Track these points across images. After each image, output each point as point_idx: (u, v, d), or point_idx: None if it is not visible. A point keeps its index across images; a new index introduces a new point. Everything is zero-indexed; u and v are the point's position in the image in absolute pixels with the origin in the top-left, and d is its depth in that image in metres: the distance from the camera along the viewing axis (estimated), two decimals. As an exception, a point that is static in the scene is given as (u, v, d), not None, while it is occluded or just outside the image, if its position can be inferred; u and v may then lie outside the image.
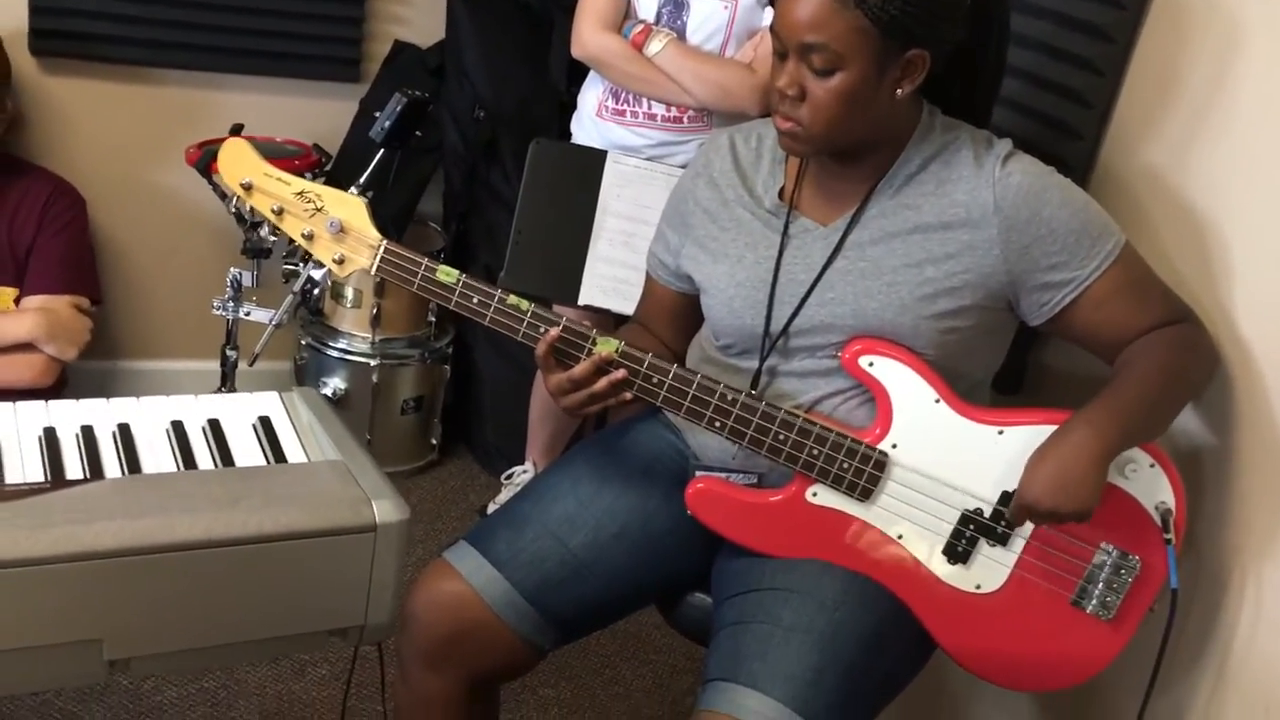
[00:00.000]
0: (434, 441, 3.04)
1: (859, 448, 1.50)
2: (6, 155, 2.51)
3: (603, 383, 1.49)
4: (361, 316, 2.85)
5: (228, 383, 2.74)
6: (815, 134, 1.46)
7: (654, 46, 2.29)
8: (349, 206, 1.52)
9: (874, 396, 1.51)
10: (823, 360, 1.54)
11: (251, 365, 2.66)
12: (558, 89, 2.67)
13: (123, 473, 1.09)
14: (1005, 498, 1.49)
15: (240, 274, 2.63)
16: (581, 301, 2.32)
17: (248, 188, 1.53)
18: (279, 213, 1.53)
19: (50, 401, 1.16)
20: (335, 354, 2.86)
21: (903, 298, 1.49)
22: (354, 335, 2.86)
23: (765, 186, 1.60)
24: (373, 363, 2.83)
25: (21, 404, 1.15)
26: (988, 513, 1.50)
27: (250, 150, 1.55)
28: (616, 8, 2.33)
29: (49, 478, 1.05)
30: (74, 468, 1.08)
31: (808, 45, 1.39)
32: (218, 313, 2.65)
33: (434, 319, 2.92)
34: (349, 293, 2.85)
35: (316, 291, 2.72)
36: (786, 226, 1.56)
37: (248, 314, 2.65)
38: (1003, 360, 1.65)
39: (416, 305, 2.88)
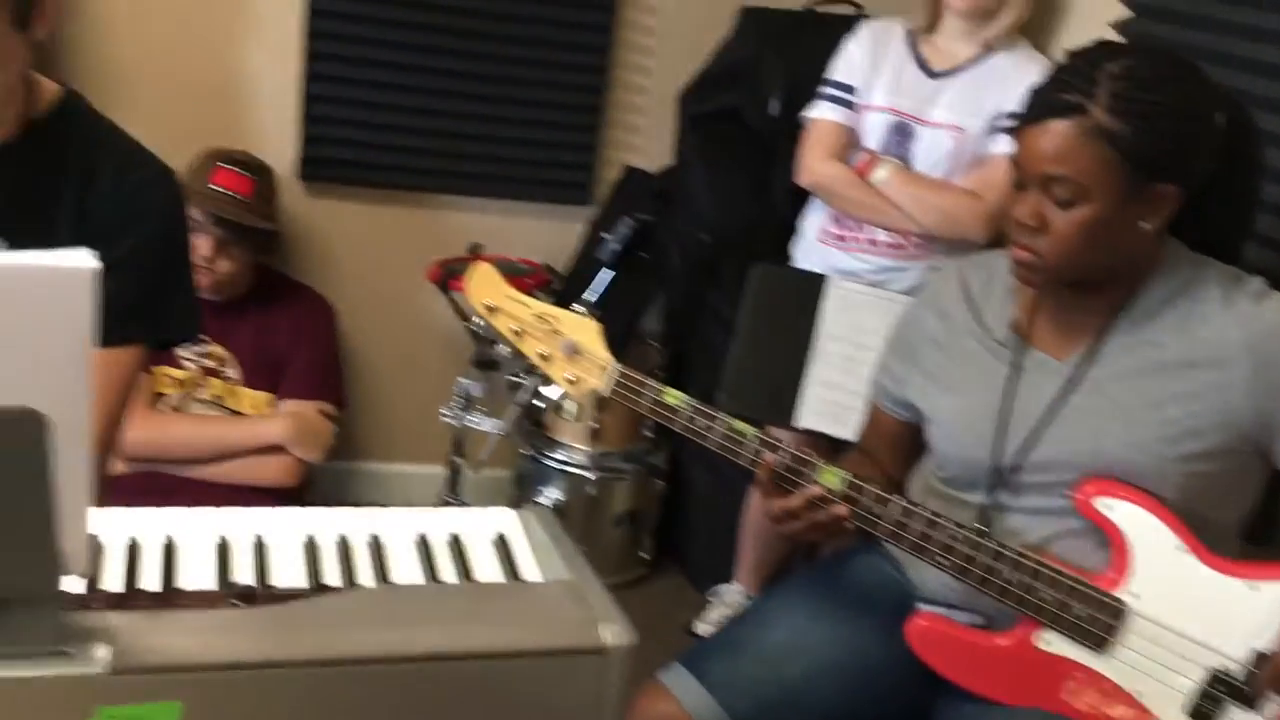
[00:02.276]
0: (645, 556, 3.07)
1: (1094, 595, 1.43)
2: (270, 271, 2.73)
3: (824, 513, 1.48)
4: (581, 430, 2.93)
5: (453, 488, 2.86)
6: (1053, 265, 1.43)
7: (879, 174, 2.31)
8: (584, 329, 1.59)
9: (1110, 540, 1.45)
10: (1054, 498, 1.50)
11: (476, 472, 2.78)
12: (780, 214, 2.72)
13: (375, 582, 1.15)
14: (1259, 659, 1.39)
15: (470, 384, 2.76)
16: (799, 425, 2.33)
17: (491, 309, 1.62)
18: (518, 334, 1.61)
19: (311, 509, 1.25)
20: (554, 465, 2.94)
21: (1143, 438, 1.43)
22: (573, 448, 2.95)
23: (996, 317, 1.58)
24: (590, 475, 2.89)
25: (286, 510, 1.24)
26: (1238, 673, 1.40)
27: (495, 274, 1.64)
28: (842, 137, 2.37)
29: (310, 584, 1.13)
30: (332, 574, 1.15)
31: (1050, 177, 1.38)
32: (447, 420, 2.78)
33: (650, 434, 2.98)
34: (570, 406, 2.94)
35: (539, 404, 2.83)
36: (1018, 358, 1.54)
37: (474, 422, 2.77)
38: (1251, 506, 1.56)
39: (634, 420, 2.94)
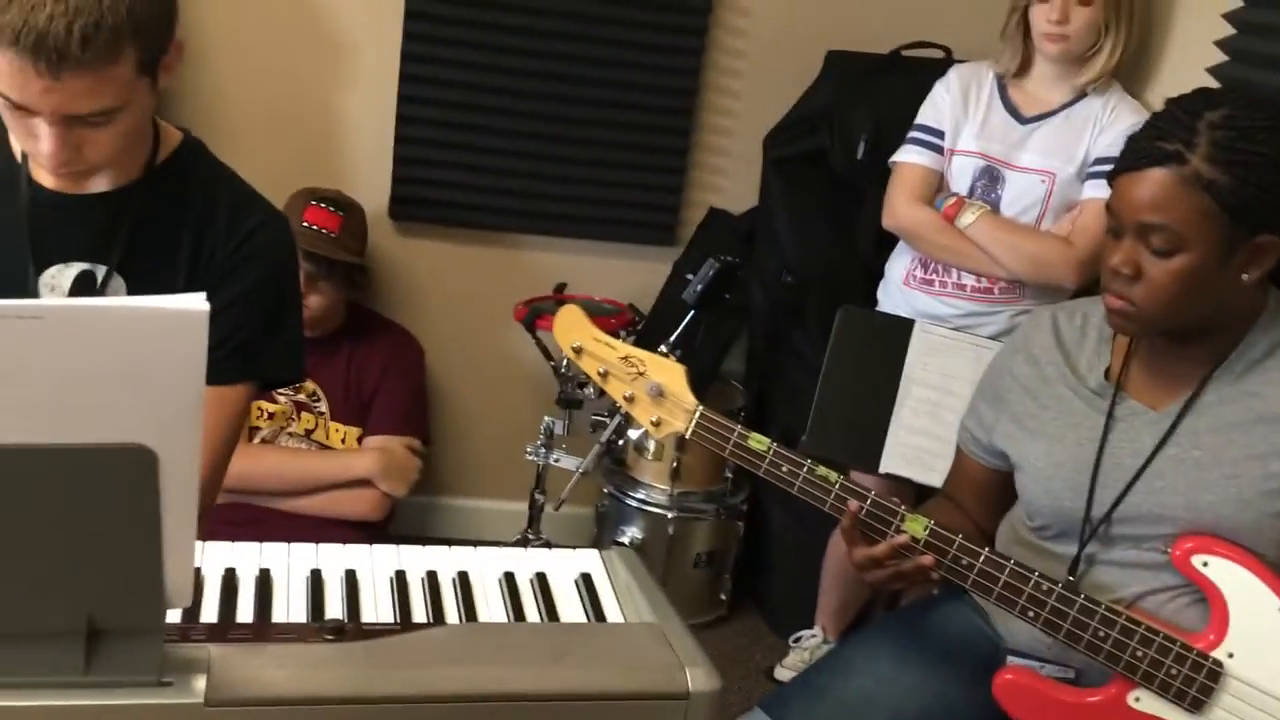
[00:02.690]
0: (723, 597, 3.05)
1: (1190, 654, 1.39)
2: (360, 308, 2.79)
3: (909, 562, 1.46)
4: (661, 469, 2.93)
5: (534, 525, 2.88)
6: (1149, 315, 1.41)
7: (967, 218, 2.29)
8: (669, 372, 1.60)
9: (1206, 598, 1.41)
10: (1148, 552, 1.46)
11: (557, 509, 2.79)
12: (865, 257, 2.72)
13: (460, 619, 1.17)
14: (1364, 724, 1.34)
15: (553, 422, 2.79)
16: (883, 469, 2.30)
17: (578, 351, 1.64)
18: (604, 375, 1.63)
19: (400, 546, 1.27)
20: (634, 504, 2.95)
21: (1243, 492, 1.39)
22: (653, 487, 2.95)
23: (1090, 365, 1.56)
24: (669, 515, 2.89)
25: (376, 546, 1.26)
26: (1343, 739, 1.35)
27: (582, 316, 1.66)
28: (929, 181, 2.36)
29: (398, 620, 1.15)
30: (420, 611, 1.17)
31: (1148, 225, 1.36)
32: (529, 458, 2.80)
33: (730, 475, 2.97)
34: (651, 445, 2.95)
35: (621, 442, 2.84)
36: (1112, 408, 1.51)
37: (557, 460, 2.79)
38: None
39: (714, 461, 2.94)
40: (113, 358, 0.82)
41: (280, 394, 2.60)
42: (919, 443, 2.29)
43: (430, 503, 3.15)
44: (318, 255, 2.55)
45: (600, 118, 2.92)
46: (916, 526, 1.47)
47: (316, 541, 1.26)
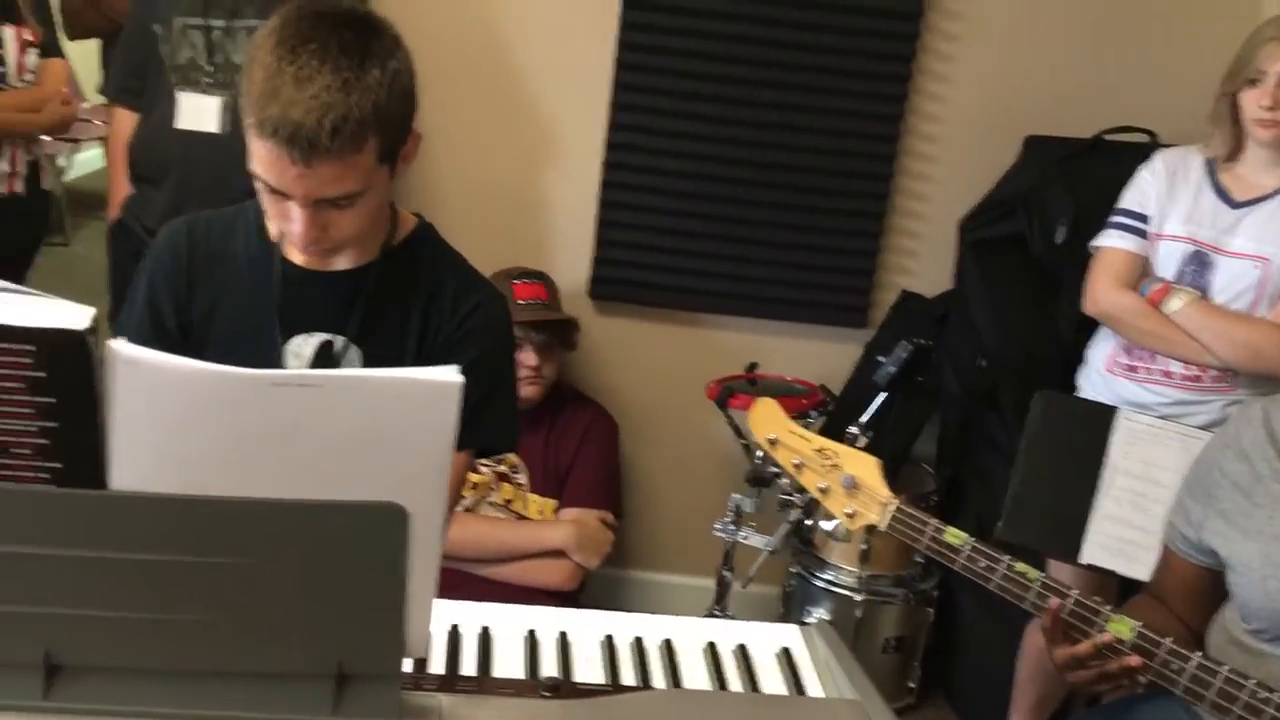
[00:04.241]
0: (911, 685, 2.99)
1: None
2: (560, 383, 2.91)
3: (1114, 663, 1.43)
4: (850, 551, 2.92)
5: (721, 602, 2.90)
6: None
7: (1173, 304, 2.24)
8: (863, 464, 1.63)
9: None
10: (1378, 658, 1.39)
11: (744, 587, 2.81)
12: (1064, 342, 2.67)
13: (667, 684, 1.22)
14: None
15: (741, 500, 2.82)
16: (1083, 560, 2.24)
17: (773, 442, 1.68)
18: (799, 467, 1.66)
19: (608, 612, 1.33)
20: (822, 584, 2.94)
21: None
22: (841, 568, 2.94)
23: (1307, 461, 1.50)
24: (858, 597, 2.87)
25: (585, 611, 1.33)
26: None
27: (778, 409, 1.70)
28: (1132, 265, 2.32)
29: (609, 681, 1.20)
30: (628, 674, 1.22)
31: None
32: (718, 534, 2.84)
33: (921, 559, 2.94)
34: (840, 528, 2.94)
35: (809, 523, 2.85)
36: (1334, 506, 1.45)
37: (745, 538, 2.82)
38: None
39: (904, 545, 2.91)
40: (376, 422, 0.91)
41: (483, 464, 2.73)
42: (1122, 533, 2.23)
43: (620, 575, 3.22)
44: (542, 323, 2.70)
45: (794, 201, 2.98)
46: (1121, 627, 1.43)
47: None
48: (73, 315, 0.83)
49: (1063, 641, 1.46)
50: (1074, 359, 2.54)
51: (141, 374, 0.87)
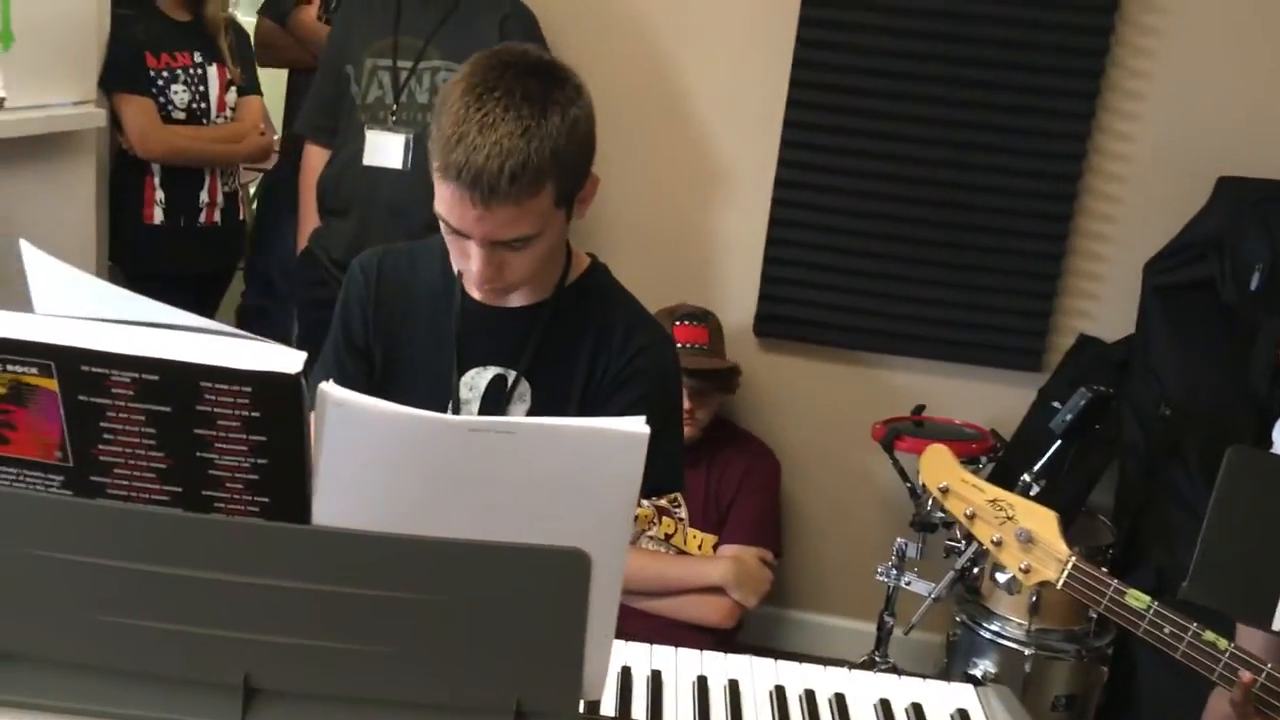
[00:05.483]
0: (1083, 745, 2.87)
1: None
2: (722, 419, 2.91)
3: (1317, 741, 1.35)
4: (1019, 602, 2.82)
5: (881, 647, 2.84)
6: None
7: (1384, 358, 2.10)
8: (1040, 518, 1.57)
9: None
10: None
11: (906, 634, 2.75)
12: (1258, 393, 2.54)
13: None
14: None
15: (905, 544, 2.76)
16: (1276, 626, 2.11)
17: (945, 491, 1.64)
18: (971, 517, 1.62)
19: (779, 661, 1.32)
20: (988, 635, 2.84)
21: None
22: (1009, 620, 2.83)
23: None
24: (1026, 651, 2.77)
25: (755, 659, 1.32)
26: None
27: (950, 457, 1.66)
28: (1337, 315, 2.19)
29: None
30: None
31: None
32: (880, 578, 2.78)
33: (1095, 615, 2.81)
34: (1009, 578, 2.85)
35: (975, 570, 2.77)
36: None
37: (908, 583, 2.76)
38: None
39: (1077, 599, 2.79)
40: (565, 469, 0.93)
41: (645, 499, 2.75)
42: (1321, 601, 2.09)
43: (779, 614, 3.19)
44: (697, 370, 2.71)
45: (967, 241, 2.92)
46: (1326, 700, 1.35)
47: (672, 644, 1.34)
48: (285, 358, 0.87)
49: (1256, 716, 1.38)
50: (1269, 412, 2.41)
51: (348, 415, 0.91)
